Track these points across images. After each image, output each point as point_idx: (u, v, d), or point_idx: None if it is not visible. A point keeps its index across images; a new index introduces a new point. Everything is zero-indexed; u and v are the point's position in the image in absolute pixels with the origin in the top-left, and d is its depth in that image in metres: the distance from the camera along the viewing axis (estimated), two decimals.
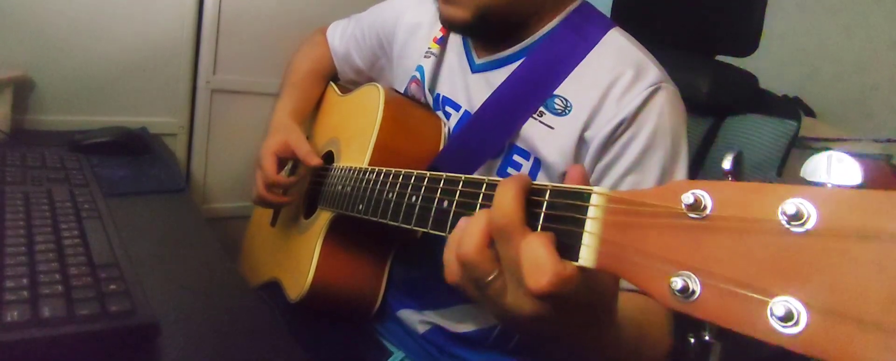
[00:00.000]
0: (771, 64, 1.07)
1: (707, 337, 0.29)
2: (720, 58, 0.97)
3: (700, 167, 0.93)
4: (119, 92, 1.09)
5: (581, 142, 0.67)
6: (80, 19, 1.01)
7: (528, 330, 0.38)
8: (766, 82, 0.97)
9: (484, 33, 0.74)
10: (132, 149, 0.98)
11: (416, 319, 0.79)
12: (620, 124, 0.64)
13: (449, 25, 0.73)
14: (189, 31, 1.13)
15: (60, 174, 0.78)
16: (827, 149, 0.25)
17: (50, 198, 0.68)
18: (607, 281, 0.37)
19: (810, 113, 1.43)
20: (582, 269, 0.33)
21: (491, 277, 0.36)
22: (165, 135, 1.15)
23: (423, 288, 0.79)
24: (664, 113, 0.65)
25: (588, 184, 0.36)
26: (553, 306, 0.34)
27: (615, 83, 0.66)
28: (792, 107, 0.95)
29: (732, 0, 0.91)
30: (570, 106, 0.68)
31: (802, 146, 1.06)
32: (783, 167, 0.87)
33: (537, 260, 0.32)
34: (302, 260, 0.77)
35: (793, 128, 0.88)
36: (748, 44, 0.89)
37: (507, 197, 0.35)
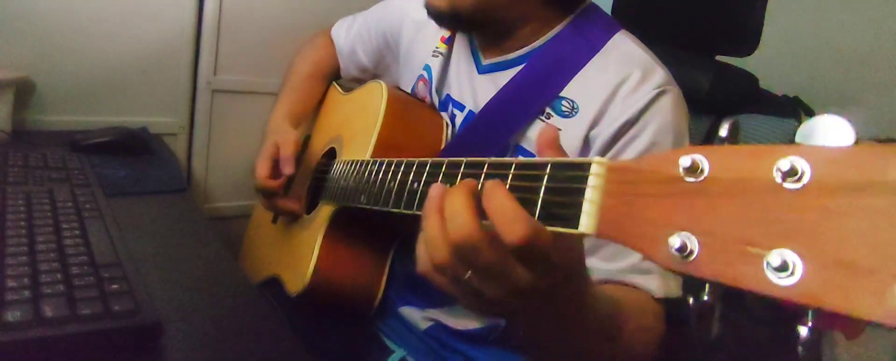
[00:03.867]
0: (771, 64, 1.07)
1: (706, 298, 0.29)
2: (720, 58, 0.97)
3: None
4: (120, 92, 1.09)
5: (586, 142, 0.68)
6: (81, 20, 1.01)
7: (506, 311, 0.40)
8: (766, 82, 0.97)
9: (466, 29, 0.77)
10: (133, 148, 0.98)
11: (418, 316, 0.79)
12: (625, 123, 0.65)
13: (429, 14, 0.75)
14: (189, 31, 1.13)
15: (62, 174, 0.78)
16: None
17: (51, 198, 0.68)
18: (572, 242, 0.38)
19: (810, 112, 1.43)
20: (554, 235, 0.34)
21: (466, 276, 0.37)
22: (166, 135, 1.15)
23: (425, 285, 0.78)
24: (668, 114, 0.66)
25: (557, 141, 0.39)
26: (532, 271, 0.35)
27: (623, 84, 0.66)
28: (792, 107, 0.95)
29: (732, 0, 0.91)
30: (577, 107, 0.68)
31: None
32: None
33: (507, 213, 0.34)
34: (303, 254, 0.77)
35: (793, 128, 0.88)
36: (748, 44, 0.89)
37: (459, 210, 0.36)
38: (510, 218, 0.33)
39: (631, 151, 0.65)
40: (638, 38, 0.73)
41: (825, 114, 0.25)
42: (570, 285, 0.40)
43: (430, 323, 0.78)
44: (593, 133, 0.67)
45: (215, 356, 0.52)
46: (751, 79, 0.95)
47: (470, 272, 0.37)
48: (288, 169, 0.82)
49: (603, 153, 0.66)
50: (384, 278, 0.80)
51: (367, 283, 0.79)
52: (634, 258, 0.61)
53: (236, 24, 1.16)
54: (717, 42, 0.95)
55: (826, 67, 1.51)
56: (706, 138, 0.96)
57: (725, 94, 0.94)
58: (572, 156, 0.67)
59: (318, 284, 0.74)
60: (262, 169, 0.83)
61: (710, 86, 0.91)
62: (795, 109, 0.92)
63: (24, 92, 0.99)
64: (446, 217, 0.36)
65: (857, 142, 0.24)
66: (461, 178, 0.45)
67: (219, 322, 0.57)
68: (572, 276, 0.39)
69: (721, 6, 0.92)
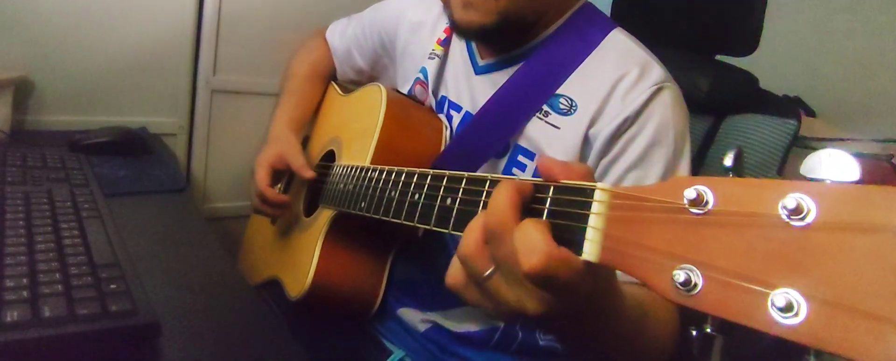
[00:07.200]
0: (771, 64, 1.07)
1: (709, 330, 0.29)
2: (720, 58, 0.97)
3: (700, 166, 0.93)
4: (119, 92, 1.09)
5: (586, 140, 0.67)
6: (81, 20, 1.01)
7: (533, 326, 0.39)
8: (766, 82, 0.97)
9: (499, 37, 0.72)
10: (132, 148, 0.98)
11: (417, 318, 0.79)
12: (625, 121, 0.65)
13: (466, 31, 0.70)
14: (189, 31, 1.13)
15: (61, 174, 0.78)
16: (826, 147, 0.26)
17: (50, 198, 0.68)
18: (605, 272, 0.37)
19: (811, 113, 1.43)
20: (584, 263, 0.33)
21: (487, 273, 0.36)
22: (165, 135, 1.15)
23: (424, 290, 0.78)
24: (668, 111, 0.65)
25: (554, 172, 0.37)
26: (553, 295, 0.34)
27: (620, 81, 0.66)
28: (792, 107, 0.95)
29: (732, 0, 0.91)
30: (576, 105, 0.68)
31: (802, 146, 1.05)
32: (783, 167, 0.87)
33: (530, 242, 0.32)
34: (302, 258, 0.77)
35: (793, 128, 0.88)
36: (748, 44, 0.89)
37: (500, 199, 0.35)
38: (529, 247, 0.32)
39: (632, 151, 0.65)
40: (637, 37, 0.73)
41: (830, 149, 0.25)
42: (594, 304, 0.38)
43: (428, 325, 0.78)
44: (593, 131, 0.67)
45: (212, 357, 0.52)
46: (751, 80, 0.95)
47: (493, 269, 0.36)
48: (307, 173, 0.81)
49: (603, 152, 0.66)
50: (383, 283, 0.80)
51: (366, 288, 0.79)
52: None
53: (236, 23, 1.16)
54: (716, 42, 0.95)
55: (826, 67, 1.51)
56: (706, 138, 0.95)
57: (725, 94, 0.93)
58: (572, 155, 0.67)
59: (318, 289, 0.74)
60: (263, 176, 0.84)
61: (709, 86, 0.91)
62: (796, 110, 0.92)
63: (22, 91, 0.99)
64: (489, 204, 0.36)
65: (861, 179, 0.24)
66: (462, 194, 0.44)
67: (216, 322, 0.57)
68: (595, 298, 0.38)
69: (721, 6, 0.92)
